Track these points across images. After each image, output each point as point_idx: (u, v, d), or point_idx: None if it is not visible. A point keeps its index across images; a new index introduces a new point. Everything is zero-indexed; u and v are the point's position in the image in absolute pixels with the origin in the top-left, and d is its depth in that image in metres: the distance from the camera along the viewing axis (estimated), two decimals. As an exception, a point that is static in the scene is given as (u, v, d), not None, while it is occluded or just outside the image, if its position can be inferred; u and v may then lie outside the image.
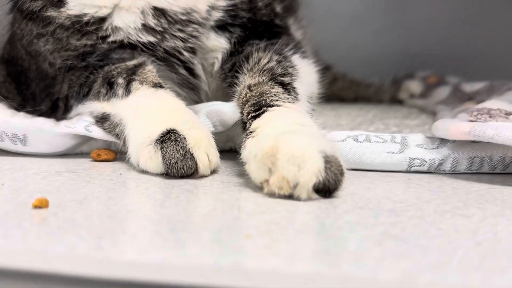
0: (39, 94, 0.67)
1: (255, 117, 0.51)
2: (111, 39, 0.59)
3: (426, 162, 0.53)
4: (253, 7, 0.66)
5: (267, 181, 0.42)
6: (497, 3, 1.93)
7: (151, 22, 0.59)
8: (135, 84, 0.57)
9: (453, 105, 1.00)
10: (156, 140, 0.50)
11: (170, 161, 0.48)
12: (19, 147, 0.58)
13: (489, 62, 1.91)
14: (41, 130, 0.57)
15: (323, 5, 1.89)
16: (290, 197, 0.41)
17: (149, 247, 0.31)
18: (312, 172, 0.40)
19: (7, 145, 0.58)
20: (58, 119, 0.63)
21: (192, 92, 0.67)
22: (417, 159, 0.53)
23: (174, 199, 0.41)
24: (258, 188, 0.44)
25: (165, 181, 0.47)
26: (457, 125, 0.51)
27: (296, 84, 0.58)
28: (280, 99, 0.52)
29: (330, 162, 0.41)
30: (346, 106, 1.24)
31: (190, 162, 0.48)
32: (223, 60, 0.65)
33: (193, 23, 0.62)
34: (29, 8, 0.60)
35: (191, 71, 0.65)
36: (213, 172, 0.51)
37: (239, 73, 0.61)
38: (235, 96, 0.57)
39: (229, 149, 0.62)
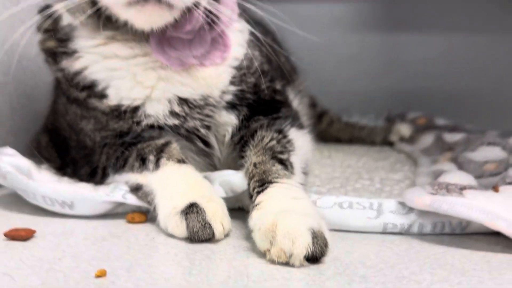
0: (79, 161, 0.81)
1: (259, 192, 0.64)
2: (143, 123, 0.73)
3: (397, 225, 0.66)
4: (257, 90, 0.80)
5: (268, 250, 0.55)
6: (484, 45, 2.08)
7: (176, 108, 0.73)
8: (163, 160, 0.70)
9: (434, 154, 1.14)
10: (182, 211, 0.62)
11: (193, 230, 0.61)
12: (67, 211, 0.71)
13: (476, 100, 2.05)
14: (85, 198, 0.71)
15: (324, 47, 2.03)
16: (286, 263, 0.54)
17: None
18: (302, 246, 0.53)
19: (57, 208, 0.71)
20: (96, 183, 0.76)
21: (207, 159, 0.81)
22: (390, 223, 0.66)
23: (198, 266, 0.54)
24: (262, 253, 0.57)
25: (189, 246, 0.60)
26: (421, 198, 0.64)
27: (292, 159, 0.71)
28: (279, 176, 0.65)
29: (317, 237, 0.54)
30: (341, 149, 1.37)
31: (208, 231, 0.61)
32: (233, 133, 0.79)
33: (209, 105, 0.76)
34: (75, 96, 0.74)
35: (206, 142, 0.79)
36: (226, 235, 0.64)
37: (246, 145, 0.74)
38: (244, 168, 0.70)
39: (238, 208, 0.75)
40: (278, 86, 0.85)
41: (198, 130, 0.76)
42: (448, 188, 0.65)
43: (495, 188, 0.66)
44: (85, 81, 0.72)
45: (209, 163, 0.82)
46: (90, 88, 0.72)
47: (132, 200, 0.71)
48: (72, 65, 0.72)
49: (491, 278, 0.52)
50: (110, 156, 0.75)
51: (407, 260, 0.57)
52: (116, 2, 0.62)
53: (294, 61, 1.27)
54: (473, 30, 2.04)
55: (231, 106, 0.78)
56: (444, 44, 2.06)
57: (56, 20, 0.72)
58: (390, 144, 1.45)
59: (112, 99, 0.72)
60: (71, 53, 0.72)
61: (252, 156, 0.70)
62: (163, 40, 0.69)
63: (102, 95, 0.72)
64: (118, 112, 0.72)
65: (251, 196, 0.65)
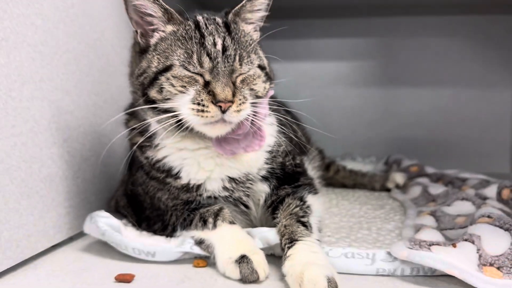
0: (153, 218, 1.09)
1: (289, 247, 0.91)
2: (204, 195, 1.02)
3: (386, 270, 0.93)
4: (283, 166, 1.09)
5: (298, 291, 0.83)
6: (469, 98, 2.37)
7: (227, 185, 1.02)
8: (219, 222, 0.98)
9: (421, 205, 1.41)
10: (236, 260, 0.90)
11: (244, 274, 0.88)
12: (150, 258, 0.99)
13: (462, 145, 2.33)
14: (164, 249, 0.99)
15: (329, 102, 2.34)
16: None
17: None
18: None
19: (143, 257, 1.00)
20: (167, 236, 1.05)
21: (246, 217, 1.09)
22: (381, 268, 0.93)
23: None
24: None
25: (242, 285, 0.88)
26: (401, 251, 0.91)
27: (311, 220, 0.99)
28: (302, 235, 0.93)
29: (331, 281, 0.81)
30: (346, 196, 1.64)
31: (255, 275, 0.88)
32: (266, 199, 1.08)
33: (249, 180, 1.05)
34: (155, 175, 1.04)
35: (246, 206, 1.08)
36: (266, 277, 0.92)
37: (277, 209, 1.03)
38: (276, 228, 0.99)
39: (271, 254, 1.03)
40: (298, 160, 1.15)
41: (241, 198, 1.05)
42: (420, 244, 0.92)
43: (453, 245, 0.93)
44: (164, 167, 1.01)
45: (247, 219, 1.10)
46: (168, 171, 1.01)
47: (197, 250, 0.99)
48: (155, 155, 1.02)
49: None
50: (178, 217, 1.04)
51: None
52: (197, 122, 0.91)
53: (307, 132, 1.55)
54: (459, 86, 2.35)
55: (265, 179, 1.07)
56: (434, 97, 2.36)
57: (142, 122, 1.01)
58: (388, 190, 1.72)
59: (184, 179, 1.01)
60: (154, 147, 1.02)
61: (282, 219, 0.98)
62: (221, 139, 0.99)
63: (177, 177, 1.01)
64: (187, 188, 1.01)
65: (282, 249, 0.93)
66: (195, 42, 0.93)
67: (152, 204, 1.09)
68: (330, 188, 1.79)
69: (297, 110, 1.51)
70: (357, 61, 2.46)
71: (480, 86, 2.32)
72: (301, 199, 1.04)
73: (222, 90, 0.90)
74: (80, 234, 1.20)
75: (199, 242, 0.99)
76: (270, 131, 1.08)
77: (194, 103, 0.91)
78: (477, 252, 0.91)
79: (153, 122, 0.99)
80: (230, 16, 0.99)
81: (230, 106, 0.90)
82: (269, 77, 1.02)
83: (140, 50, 0.99)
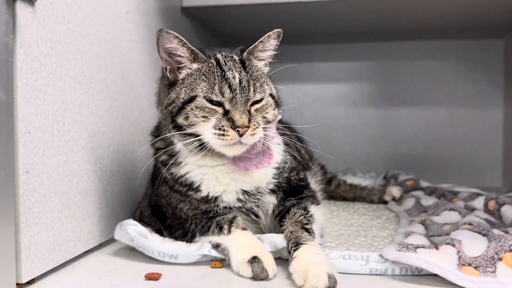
0: (174, 226, 1.25)
1: (295, 250, 1.06)
2: (221, 205, 1.17)
3: (378, 269, 1.08)
4: (289, 181, 1.24)
5: (303, 285, 0.96)
6: (462, 117, 2.52)
7: (241, 197, 1.17)
8: (233, 228, 1.13)
9: (414, 215, 1.55)
10: (248, 261, 1.05)
11: (256, 273, 1.03)
12: (173, 260, 1.14)
13: (459, 162, 2.47)
14: (185, 252, 1.14)
15: (331, 120, 2.49)
16: (313, 293, 0.96)
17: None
18: (323, 283, 0.94)
19: (167, 259, 1.15)
20: (187, 241, 1.19)
21: (257, 226, 1.24)
22: (374, 268, 1.08)
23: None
24: (297, 286, 0.98)
25: (253, 282, 1.03)
26: (391, 253, 1.06)
27: (313, 227, 1.14)
28: (306, 240, 1.08)
29: (331, 277, 0.95)
30: (346, 208, 1.79)
31: (265, 273, 1.03)
32: (273, 209, 1.23)
33: (259, 193, 1.20)
34: (178, 189, 1.19)
35: (256, 215, 1.23)
36: (274, 275, 1.06)
37: (284, 218, 1.18)
38: (283, 233, 1.13)
39: (278, 257, 1.17)
40: (301, 175, 1.30)
41: (252, 208, 1.21)
42: (407, 247, 1.07)
43: (436, 247, 1.08)
44: (186, 181, 1.17)
45: (257, 227, 1.25)
46: (190, 185, 1.17)
47: (214, 253, 1.14)
48: (179, 171, 1.18)
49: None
50: (197, 224, 1.19)
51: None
52: (219, 144, 1.08)
53: (310, 150, 1.71)
54: (453, 105, 2.51)
55: (273, 191, 1.23)
56: (430, 116, 2.52)
57: (168, 143, 1.17)
58: (385, 202, 1.87)
59: (203, 192, 1.17)
60: (178, 164, 1.18)
61: (289, 226, 1.13)
62: (236, 157, 1.14)
63: (197, 190, 1.17)
64: (206, 199, 1.17)
65: (289, 252, 1.08)
66: (217, 75, 1.10)
67: (174, 214, 1.24)
68: (332, 201, 1.94)
69: (301, 131, 1.67)
70: (356, 83, 2.63)
71: (473, 105, 2.47)
72: (305, 209, 1.19)
73: (240, 117, 1.06)
74: (109, 242, 1.36)
75: (216, 246, 1.14)
76: (277, 150, 1.24)
77: (216, 129, 1.07)
78: (457, 254, 1.05)
79: (179, 144, 1.15)
80: (245, 54, 1.16)
81: (246, 130, 1.06)
82: (277, 104, 1.18)
83: (169, 84, 1.16)
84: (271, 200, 1.23)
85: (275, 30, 1.16)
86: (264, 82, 1.15)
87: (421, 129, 2.52)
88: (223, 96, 1.09)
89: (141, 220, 1.34)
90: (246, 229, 1.15)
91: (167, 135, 1.16)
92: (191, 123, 1.09)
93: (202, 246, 1.15)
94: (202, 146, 1.10)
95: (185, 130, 1.11)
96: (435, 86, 2.50)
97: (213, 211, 1.18)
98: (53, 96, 1.10)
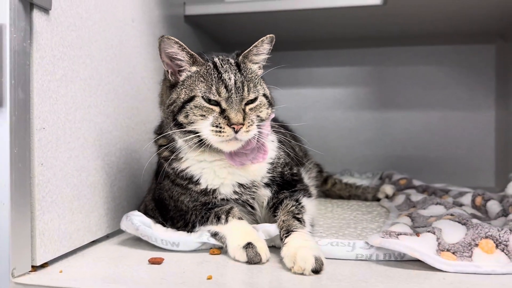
0: (175, 218, 1.34)
1: (286, 236, 1.15)
2: (218, 197, 1.26)
3: (363, 255, 1.16)
4: (282, 175, 1.33)
5: (292, 267, 1.05)
6: (456, 120, 2.60)
7: (237, 189, 1.27)
8: (230, 218, 1.22)
9: (404, 210, 1.64)
10: (243, 247, 1.13)
11: (250, 257, 1.12)
12: (175, 248, 1.23)
13: (453, 163, 2.55)
14: (186, 240, 1.23)
15: (329, 123, 2.58)
16: (301, 274, 1.04)
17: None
18: (310, 264, 1.02)
19: (169, 247, 1.24)
20: (188, 231, 1.29)
21: (253, 217, 1.33)
22: (360, 254, 1.16)
23: (254, 274, 1.05)
24: (287, 268, 1.07)
25: (248, 266, 1.11)
26: (375, 240, 1.14)
27: (304, 217, 1.23)
28: (297, 227, 1.17)
29: (318, 260, 1.04)
30: (341, 205, 1.87)
31: (258, 257, 1.12)
32: (268, 201, 1.32)
33: (254, 186, 1.29)
34: (179, 183, 1.29)
35: (252, 207, 1.32)
36: (267, 260, 1.15)
37: (277, 209, 1.27)
38: (276, 223, 1.22)
39: (272, 246, 1.26)
40: (295, 170, 1.39)
41: (248, 200, 1.30)
42: (390, 234, 1.16)
43: (417, 234, 1.16)
44: (187, 175, 1.27)
45: (253, 218, 1.34)
46: (190, 179, 1.27)
47: (213, 241, 1.23)
48: (180, 166, 1.27)
49: (411, 281, 1.01)
50: (197, 215, 1.28)
51: (368, 274, 1.07)
52: (216, 140, 1.17)
53: (304, 148, 1.80)
54: (447, 108, 2.59)
55: (267, 185, 1.32)
56: (424, 119, 2.60)
57: (170, 140, 1.27)
58: (378, 200, 1.95)
59: (202, 185, 1.26)
60: (178, 159, 1.27)
61: (281, 216, 1.22)
62: (233, 153, 1.24)
63: (197, 183, 1.26)
64: (205, 192, 1.27)
65: (281, 239, 1.17)
66: (214, 77, 1.19)
67: (176, 206, 1.34)
68: (328, 199, 2.02)
69: (296, 130, 1.76)
70: (353, 87, 2.72)
71: (466, 108, 2.55)
72: (297, 201, 1.28)
73: (235, 115, 1.16)
74: (115, 233, 1.45)
75: (214, 234, 1.23)
76: (271, 147, 1.33)
77: (213, 126, 1.17)
78: (437, 241, 1.14)
79: (180, 140, 1.25)
80: (240, 58, 1.26)
81: (241, 127, 1.16)
82: (270, 104, 1.28)
83: (170, 85, 1.26)
84: (265, 193, 1.32)
85: (268, 36, 1.26)
86: (257, 83, 1.25)
87: (416, 132, 2.60)
88: (219, 96, 1.18)
89: (146, 213, 1.43)
90: (242, 219, 1.24)
91: (169, 132, 1.26)
92: (191, 121, 1.19)
93: (202, 234, 1.24)
94: (201, 143, 1.20)
95: (185, 127, 1.20)
96: (429, 90, 2.59)
97: (212, 202, 1.27)
98: (65, 96, 1.20)
